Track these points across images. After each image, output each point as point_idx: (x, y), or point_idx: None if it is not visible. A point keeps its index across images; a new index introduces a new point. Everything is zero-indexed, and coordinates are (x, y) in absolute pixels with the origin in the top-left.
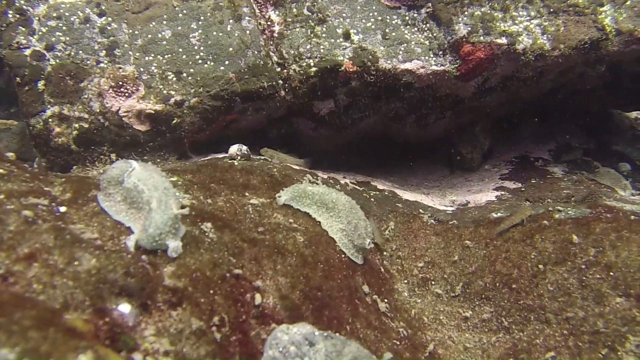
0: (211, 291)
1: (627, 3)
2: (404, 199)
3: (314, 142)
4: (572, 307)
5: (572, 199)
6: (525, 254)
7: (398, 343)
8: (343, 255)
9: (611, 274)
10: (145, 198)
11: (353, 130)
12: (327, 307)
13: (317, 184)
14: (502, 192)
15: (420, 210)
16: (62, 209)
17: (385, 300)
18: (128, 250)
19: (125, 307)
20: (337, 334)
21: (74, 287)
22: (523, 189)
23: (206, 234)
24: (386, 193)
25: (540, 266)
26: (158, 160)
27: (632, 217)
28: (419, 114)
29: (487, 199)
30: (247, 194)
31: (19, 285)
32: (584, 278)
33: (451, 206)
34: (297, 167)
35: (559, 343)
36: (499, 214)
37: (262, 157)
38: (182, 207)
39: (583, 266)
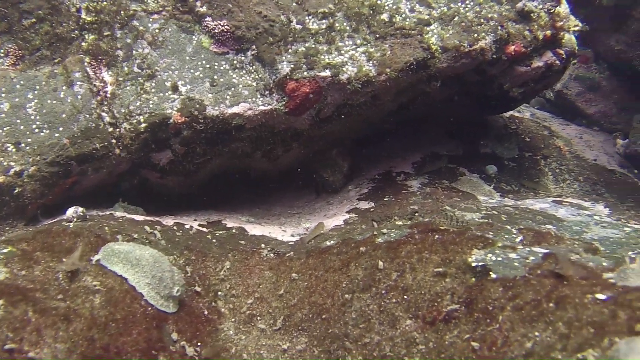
0: None
1: (454, 19)
2: (249, 234)
3: (166, 188)
4: (369, 333)
5: (416, 214)
6: (339, 283)
7: None
8: (150, 308)
9: (405, 297)
10: None
11: (202, 172)
12: None
13: (154, 234)
14: (352, 215)
15: (262, 245)
16: None
17: (199, 344)
18: None
19: None
20: None
21: None
22: (372, 210)
23: None
24: (233, 231)
25: (348, 295)
26: (7, 228)
27: (437, 236)
28: (263, 149)
29: (336, 223)
30: (64, 259)
31: None
32: (383, 303)
33: (305, 234)
34: (140, 218)
35: None
36: (331, 242)
37: (109, 212)
38: None
39: (383, 291)
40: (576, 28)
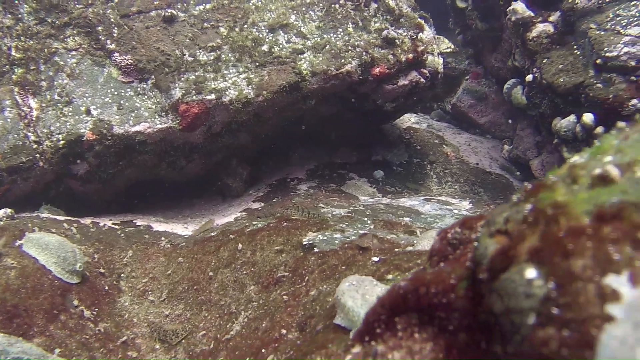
0: None
1: (326, 48)
2: (154, 230)
3: (89, 195)
4: (225, 297)
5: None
6: (210, 262)
7: (87, 336)
8: (57, 281)
9: (253, 269)
10: None
11: (118, 181)
12: (18, 317)
13: (70, 229)
14: (243, 214)
15: (162, 238)
16: None
17: (96, 310)
18: None
19: None
20: (20, 337)
21: None
22: (260, 209)
23: None
24: (141, 228)
25: (213, 272)
26: None
27: (285, 224)
28: (167, 160)
29: (227, 220)
30: None
31: None
32: (237, 274)
33: None
34: (62, 218)
35: (212, 324)
36: (214, 233)
37: (36, 214)
38: None
39: (239, 266)
40: (447, 50)
